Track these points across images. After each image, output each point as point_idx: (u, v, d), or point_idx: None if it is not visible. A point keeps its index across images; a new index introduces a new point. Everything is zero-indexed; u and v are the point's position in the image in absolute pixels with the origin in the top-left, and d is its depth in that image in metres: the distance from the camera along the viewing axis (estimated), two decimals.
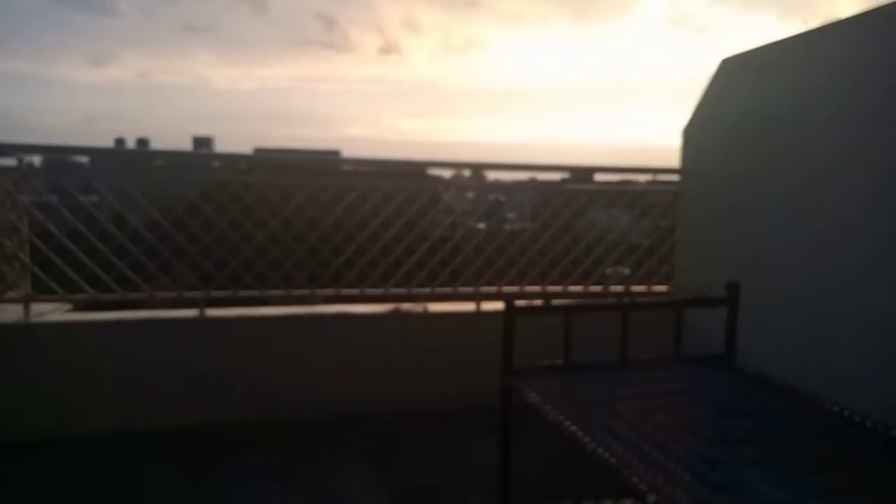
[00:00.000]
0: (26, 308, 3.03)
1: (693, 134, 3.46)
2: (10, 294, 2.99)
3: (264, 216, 3.25)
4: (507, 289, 3.56)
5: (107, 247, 3.07)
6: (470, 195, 3.78)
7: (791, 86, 2.70)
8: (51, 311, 3.05)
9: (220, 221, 3.15)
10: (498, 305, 1.98)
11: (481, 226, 3.95)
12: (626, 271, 3.82)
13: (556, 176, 4.17)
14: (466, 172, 3.90)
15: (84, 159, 4.08)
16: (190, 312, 3.12)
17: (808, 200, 2.56)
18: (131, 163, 4.10)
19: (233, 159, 3.62)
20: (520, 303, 2.01)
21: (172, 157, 3.89)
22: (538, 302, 2.34)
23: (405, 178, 3.64)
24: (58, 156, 4.14)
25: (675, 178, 3.68)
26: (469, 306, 3.50)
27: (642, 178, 3.96)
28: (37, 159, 3.94)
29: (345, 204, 3.31)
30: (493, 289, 3.52)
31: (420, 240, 3.48)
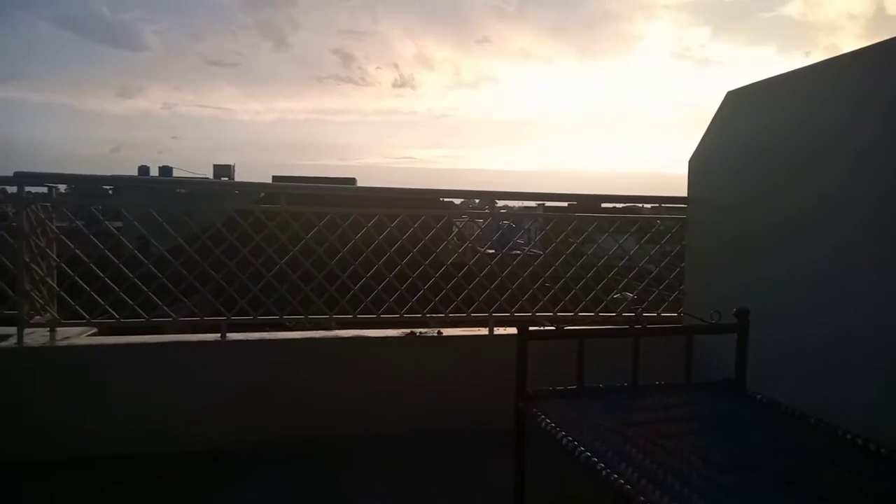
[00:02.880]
0: (52, 332, 3.12)
1: (699, 163, 3.53)
2: (38, 318, 3.08)
3: (285, 243, 3.34)
4: (520, 314, 3.61)
5: (131, 272, 3.17)
6: (482, 222, 3.85)
7: (793, 117, 2.78)
8: (76, 336, 3.14)
9: (242, 248, 3.25)
10: (511, 330, 2.05)
11: (493, 252, 4.01)
12: (636, 297, 3.86)
13: (565, 203, 4.25)
14: (478, 200, 3.99)
15: (110, 187, 4.19)
16: (211, 336, 3.20)
17: (812, 227, 2.62)
18: (155, 190, 4.22)
19: (253, 188, 3.72)
20: (533, 328, 2.07)
21: (194, 186, 4.01)
22: (551, 327, 2.39)
23: (420, 207, 3.72)
24: (85, 185, 4.26)
25: (682, 205, 3.74)
26: (482, 331, 3.55)
27: (650, 205, 4.05)
28: (63, 186, 4.05)
29: (362, 232, 3.40)
30: (505, 314, 3.58)
31: (434, 266, 3.56)
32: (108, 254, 3.13)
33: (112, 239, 3.32)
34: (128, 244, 3.32)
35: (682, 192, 3.69)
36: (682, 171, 3.65)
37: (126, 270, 3.15)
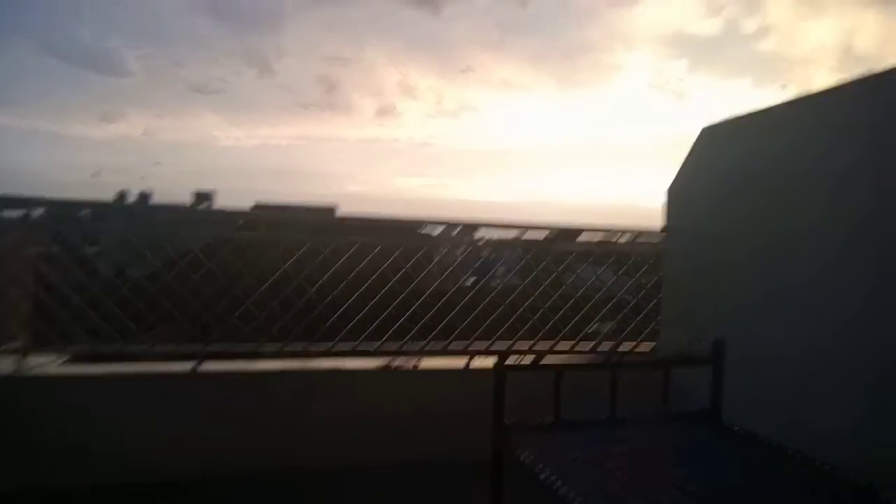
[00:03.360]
0: (23, 359, 3.05)
1: (677, 193, 3.60)
2: (8, 345, 3.01)
3: (263, 270, 3.33)
4: (498, 345, 3.62)
5: (107, 298, 3.12)
6: (461, 252, 3.87)
7: (770, 147, 2.86)
8: (48, 363, 3.07)
9: (220, 274, 3.23)
10: (489, 362, 2.05)
11: (472, 281, 4.03)
12: (614, 327, 3.90)
13: (543, 234, 4.30)
14: (458, 230, 4.01)
15: (88, 211, 4.15)
16: (185, 366, 3.15)
17: (790, 255, 2.68)
18: (133, 216, 4.18)
19: (233, 216, 3.72)
20: (510, 361, 2.07)
21: (173, 211, 3.99)
22: (528, 360, 2.40)
23: (400, 235, 3.74)
24: (63, 209, 4.21)
25: (658, 236, 3.80)
26: (460, 362, 3.55)
27: (627, 236, 4.11)
28: (41, 209, 4.00)
29: (342, 260, 3.40)
30: (483, 345, 3.58)
31: (413, 295, 3.56)
32: (84, 279, 3.09)
33: (87, 264, 3.27)
34: (100, 269, 3.28)
35: (658, 222, 3.76)
36: (659, 201, 3.72)
37: (102, 295, 3.11)
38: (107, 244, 3.41)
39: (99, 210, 3.75)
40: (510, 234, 4.36)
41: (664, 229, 3.73)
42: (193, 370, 3.13)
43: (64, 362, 3.14)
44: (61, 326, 3.05)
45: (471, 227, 3.84)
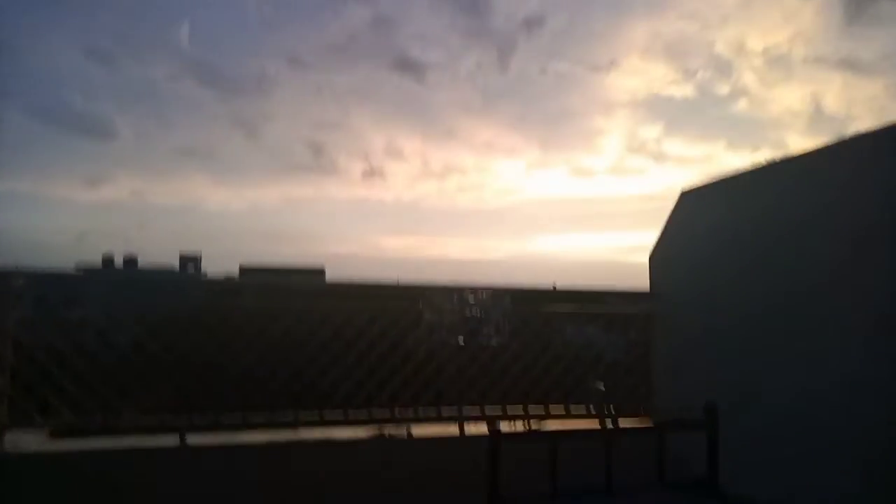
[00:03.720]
0: (0, 437, 2.95)
1: (659, 259, 3.67)
2: None
3: (250, 336, 3.30)
4: (490, 409, 3.57)
5: (89, 369, 3.05)
6: (451, 315, 3.87)
7: (745, 214, 2.94)
8: (27, 440, 2.98)
9: (206, 342, 3.19)
10: (482, 429, 2.02)
11: (462, 343, 4.01)
12: (603, 387, 3.87)
13: (533, 295, 4.32)
14: (447, 292, 4.02)
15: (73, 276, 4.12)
16: (170, 440, 3.06)
17: (772, 319, 2.71)
18: (117, 281, 4.16)
19: (219, 283, 3.71)
20: (504, 429, 2.05)
21: (158, 277, 3.96)
22: (522, 427, 2.37)
23: (388, 299, 3.74)
24: (43, 277, 4.18)
25: (646, 296, 3.84)
26: (453, 429, 3.48)
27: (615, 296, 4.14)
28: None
29: (330, 326, 3.38)
30: (476, 408, 3.53)
31: (403, 360, 3.53)
32: (66, 348, 3.04)
33: (67, 337, 3.22)
34: (80, 339, 3.22)
35: (643, 279, 3.81)
36: (642, 258, 3.78)
37: (84, 365, 3.04)
38: (91, 309, 3.35)
39: (81, 276, 3.71)
40: (501, 295, 4.38)
41: (650, 294, 3.77)
42: (179, 444, 3.04)
43: (45, 438, 3.05)
44: (42, 399, 2.97)
45: (460, 290, 3.85)
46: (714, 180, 3.20)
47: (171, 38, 64.65)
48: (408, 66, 64.69)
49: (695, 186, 3.35)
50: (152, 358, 3.14)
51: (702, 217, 3.31)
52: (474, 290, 4.01)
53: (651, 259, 3.70)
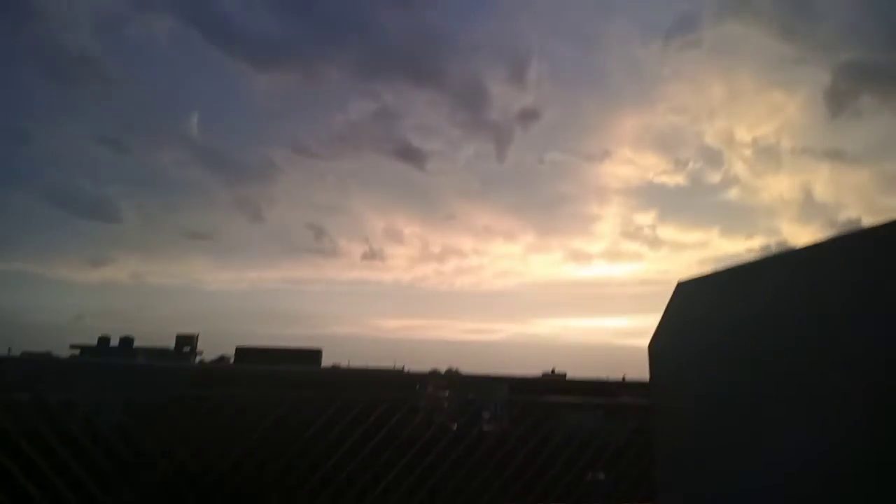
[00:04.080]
0: None
1: (658, 349, 3.64)
2: None
3: (241, 427, 3.21)
4: None
5: (73, 455, 2.96)
6: (448, 404, 3.80)
7: (744, 307, 2.94)
8: None
9: (196, 434, 3.11)
10: None
11: (461, 433, 3.91)
12: (604, 476, 3.73)
13: (532, 383, 4.25)
14: (444, 382, 3.96)
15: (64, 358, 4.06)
16: None
17: (774, 420, 2.65)
18: (105, 366, 4.10)
19: (214, 371, 3.65)
20: None
21: (151, 360, 3.90)
22: None
23: (384, 386, 3.68)
24: (34, 359, 4.13)
25: (645, 387, 3.78)
26: None
27: (615, 386, 4.06)
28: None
29: (323, 417, 3.31)
30: None
31: (399, 452, 3.42)
32: (50, 438, 2.95)
33: (52, 422, 3.14)
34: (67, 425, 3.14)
35: (640, 363, 3.76)
36: (638, 342, 3.75)
37: (68, 456, 2.94)
38: (79, 394, 3.29)
39: (71, 360, 3.66)
40: (500, 383, 4.31)
41: (649, 385, 3.71)
42: None
43: None
44: (21, 491, 2.85)
45: (459, 381, 3.79)
46: (711, 272, 3.22)
47: (182, 126, 67.26)
48: (409, 154, 66.92)
49: (692, 277, 3.37)
50: (138, 448, 3.05)
51: (699, 308, 3.32)
52: (472, 379, 3.94)
53: (650, 348, 3.67)
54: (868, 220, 2.54)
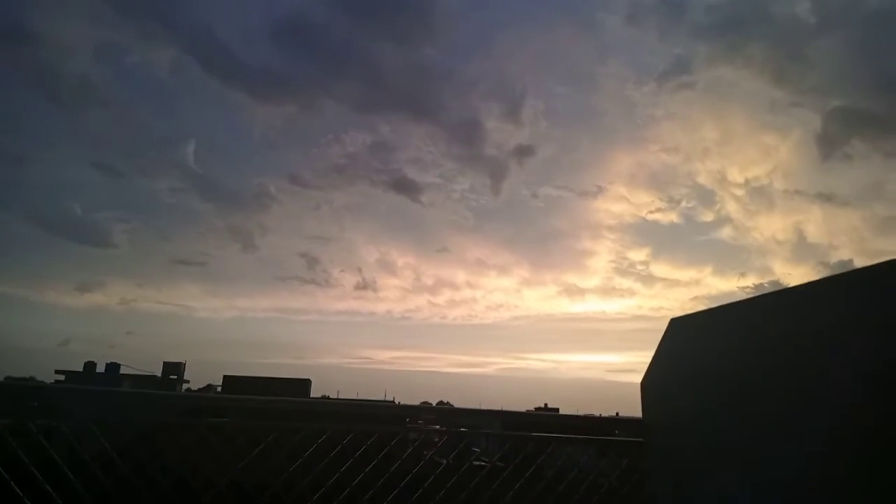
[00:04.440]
0: None
1: (650, 386, 3.62)
2: None
3: (226, 459, 3.15)
4: None
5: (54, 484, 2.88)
6: (439, 437, 3.74)
7: (736, 346, 2.93)
8: None
9: (180, 466, 3.04)
10: None
11: (450, 469, 3.84)
12: None
13: (524, 419, 4.20)
14: (435, 416, 3.92)
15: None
16: None
17: (766, 457, 2.63)
18: (89, 392, 4.02)
19: (201, 399, 3.60)
20: None
21: (137, 387, 3.84)
22: None
23: (373, 420, 3.63)
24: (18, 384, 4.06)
25: (639, 425, 3.74)
26: None
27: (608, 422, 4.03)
28: None
29: (310, 448, 3.25)
30: None
31: (387, 486, 3.36)
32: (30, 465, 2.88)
33: (34, 450, 3.07)
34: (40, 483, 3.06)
35: (632, 399, 3.73)
36: (630, 378, 3.72)
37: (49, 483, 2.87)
38: (60, 419, 3.23)
39: (54, 386, 3.60)
40: (491, 416, 4.26)
41: (642, 422, 3.68)
42: None
43: None
44: None
45: (451, 415, 3.75)
46: (704, 309, 3.23)
47: (177, 154, 67.53)
48: (404, 187, 67.41)
49: (685, 314, 3.37)
50: (120, 476, 2.98)
51: (692, 345, 3.31)
52: (464, 412, 3.90)
53: (643, 385, 3.65)
54: (860, 262, 2.57)
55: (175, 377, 44.10)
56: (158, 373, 43.82)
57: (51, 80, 58.78)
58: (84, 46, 57.20)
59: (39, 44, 55.70)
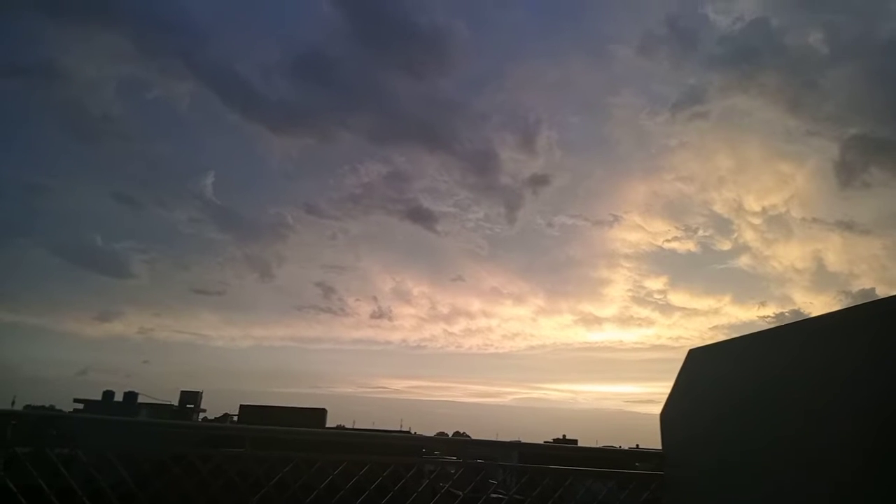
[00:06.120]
0: None
1: (670, 418, 3.56)
2: None
3: (242, 490, 3.14)
4: None
5: None
6: (455, 469, 3.70)
7: (755, 377, 2.89)
8: None
9: (196, 494, 3.03)
10: None
11: (465, 498, 3.79)
12: None
13: (542, 451, 4.14)
14: (452, 447, 3.88)
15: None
16: None
17: (787, 489, 2.57)
18: (106, 422, 4.05)
19: (218, 429, 3.61)
20: None
21: (154, 416, 3.86)
22: None
23: (391, 450, 3.61)
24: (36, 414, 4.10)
25: (658, 457, 3.68)
26: None
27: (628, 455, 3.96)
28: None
29: (327, 480, 3.23)
30: None
31: None
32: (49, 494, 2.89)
33: (54, 478, 3.08)
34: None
35: (651, 430, 3.68)
36: (649, 409, 3.67)
37: None
38: (79, 448, 3.25)
39: (72, 415, 3.63)
40: (508, 449, 4.22)
41: (662, 454, 3.62)
42: None
43: None
44: None
45: (465, 442, 3.72)
46: (723, 340, 3.19)
47: (196, 185, 69.02)
48: (419, 216, 67.95)
49: (704, 345, 3.33)
50: None
51: (711, 376, 3.26)
52: (480, 443, 3.86)
53: (662, 417, 3.60)
54: (882, 291, 2.54)
55: (192, 406, 44.15)
56: (175, 402, 43.92)
57: (75, 114, 60.67)
58: (107, 82, 59.17)
59: (66, 80, 57.74)
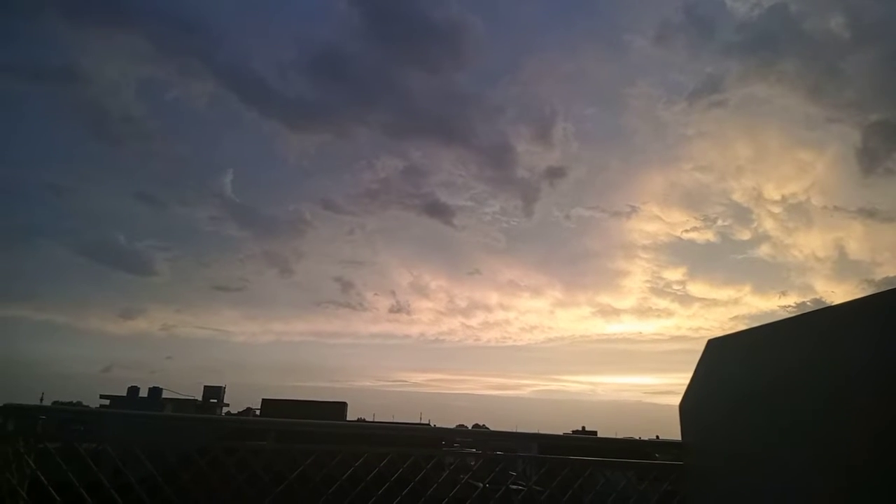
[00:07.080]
0: None
1: (689, 409, 3.56)
2: None
3: (265, 482, 3.20)
4: None
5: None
6: (475, 460, 3.73)
7: (775, 366, 2.88)
8: None
9: (220, 487, 3.10)
10: None
11: (484, 489, 3.82)
12: None
13: (562, 442, 4.15)
14: (471, 439, 3.91)
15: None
16: None
17: (805, 478, 2.56)
18: (132, 416, 4.13)
19: (242, 422, 3.67)
20: None
21: (178, 410, 3.94)
22: None
23: (411, 442, 3.65)
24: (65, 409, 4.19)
25: (678, 448, 3.67)
26: None
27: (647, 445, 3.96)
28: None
29: (349, 471, 3.28)
30: None
31: None
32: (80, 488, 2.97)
33: (83, 472, 3.17)
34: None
35: (670, 421, 3.67)
36: (668, 400, 3.67)
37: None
38: (106, 442, 3.32)
39: (99, 410, 3.71)
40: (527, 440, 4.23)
41: (681, 445, 3.61)
42: None
43: None
44: None
45: (485, 434, 3.74)
46: (742, 330, 3.18)
47: (216, 183, 69.62)
48: (436, 210, 67.94)
49: (723, 335, 3.32)
50: (165, 499, 3.05)
51: (730, 366, 3.25)
52: (500, 435, 3.89)
53: (681, 408, 3.59)
54: None
55: (215, 400, 44.73)
56: (199, 396, 44.54)
57: (96, 115, 61.49)
58: (127, 83, 59.66)
59: (86, 82, 58.52)
